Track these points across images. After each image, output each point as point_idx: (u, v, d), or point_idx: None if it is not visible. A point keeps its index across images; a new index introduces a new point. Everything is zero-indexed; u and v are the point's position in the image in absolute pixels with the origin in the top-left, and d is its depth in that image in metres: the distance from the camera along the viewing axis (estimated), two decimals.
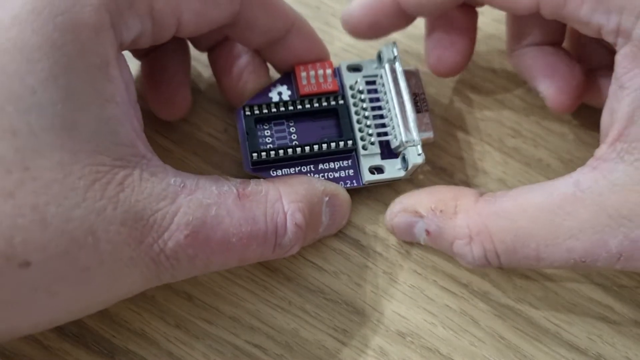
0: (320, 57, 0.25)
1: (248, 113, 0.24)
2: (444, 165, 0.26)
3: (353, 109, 0.25)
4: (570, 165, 0.26)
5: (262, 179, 0.22)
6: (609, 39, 0.20)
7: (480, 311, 0.23)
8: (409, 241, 0.24)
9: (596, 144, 0.21)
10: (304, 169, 0.24)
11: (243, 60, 0.24)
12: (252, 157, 0.23)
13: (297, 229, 0.21)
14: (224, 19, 0.22)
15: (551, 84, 0.24)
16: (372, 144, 0.24)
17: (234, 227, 0.19)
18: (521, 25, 0.24)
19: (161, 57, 0.24)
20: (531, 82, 0.25)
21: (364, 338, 0.23)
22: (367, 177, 0.24)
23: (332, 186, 0.23)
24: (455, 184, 0.25)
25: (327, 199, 0.22)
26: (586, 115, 0.26)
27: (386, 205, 0.24)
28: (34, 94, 0.17)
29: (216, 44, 0.24)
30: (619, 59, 0.20)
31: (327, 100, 0.25)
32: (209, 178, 0.20)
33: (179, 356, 0.22)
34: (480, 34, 0.26)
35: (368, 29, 0.24)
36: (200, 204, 0.19)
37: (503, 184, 0.25)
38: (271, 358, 0.22)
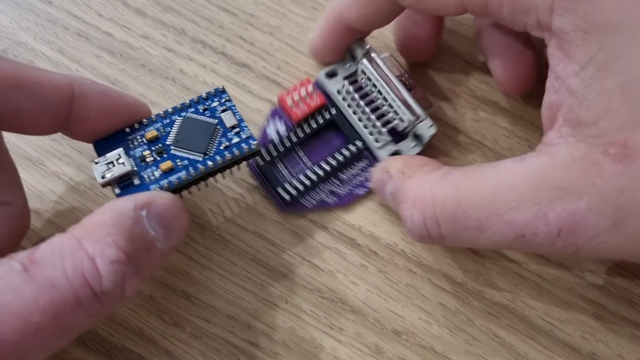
0: (129, 104, 0.22)
1: (261, 163, 0.25)
2: None
3: (350, 111, 0.25)
4: None
5: (56, 235, 0.18)
6: (536, 34, 0.21)
7: (475, 309, 0.23)
8: (385, 204, 0.25)
9: None
10: (331, 186, 0.25)
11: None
12: (283, 198, 0.24)
13: (115, 266, 0.17)
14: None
15: (501, 64, 0.25)
16: (381, 134, 0.25)
17: (28, 305, 0.16)
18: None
19: None
20: (486, 61, 0.26)
21: (360, 336, 0.23)
22: None
23: (143, 197, 0.19)
24: None
25: (144, 212, 0.19)
26: None
27: (381, 205, 0.25)
28: None
29: None
30: (550, 51, 0.20)
31: (321, 115, 0.25)
32: None
33: (176, 354, 0.22)
34: (474, 35, 0.26)
35: (333, 53, 0.26)
36: None
37: None
38: (268, 356, 0.23)
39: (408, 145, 0.25)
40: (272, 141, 0.25)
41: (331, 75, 0.26)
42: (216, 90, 0.23)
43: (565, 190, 0.19)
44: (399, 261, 0.24)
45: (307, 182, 0.24)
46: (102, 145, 0.22)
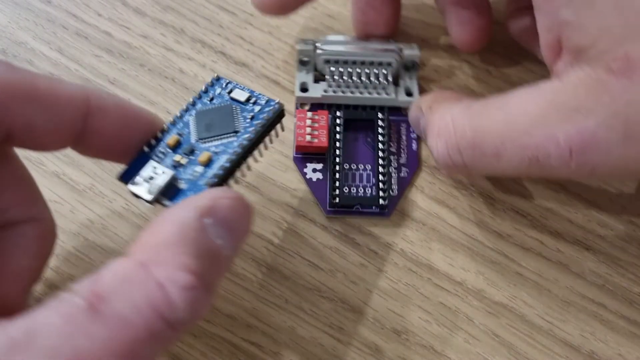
0: (144, 118, 0.21)
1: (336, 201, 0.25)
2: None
3: (349, 94, 0.26)
4: None
5: (116, 260, 0.16)
6: None
7: (475, 309, 0.24)
8: (423, 140, 0.26)
9: None
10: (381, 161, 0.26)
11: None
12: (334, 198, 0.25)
13: (188, 292, 0.15)
14: None
15: (458, 22, 0.27)
16: (386, 86, 0.26)
17: (102, 349, 0.14)
18: None
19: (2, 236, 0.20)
20: (444, 20, 0.27)
21: (360, 336, 0.23)
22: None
23: (204, 200, 0.17)
24: (451, 183, 0.26)
25: (208, 220, 0.17)
26: None
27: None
28: None
29: None
30: None
31: (335, 124, 0.26)
32: (46, 307, 0.15)
33: (177, 354, 0.22)
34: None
35: (278, 6, 0.26)
36: (47, 355, 0.14)
37: (498, 183, 0.26)
38: (268, 356, 0.23)
39: (408, 77, 0.27)
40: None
41: (304, 89, 0.26)
42: (212, 80, 0.22)
43: (574, 110, 0.19)
44: (399, 260, 0.24)
45: (384, 179, 0.25)
46: (129, 173, 0.20)
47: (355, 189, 0.25)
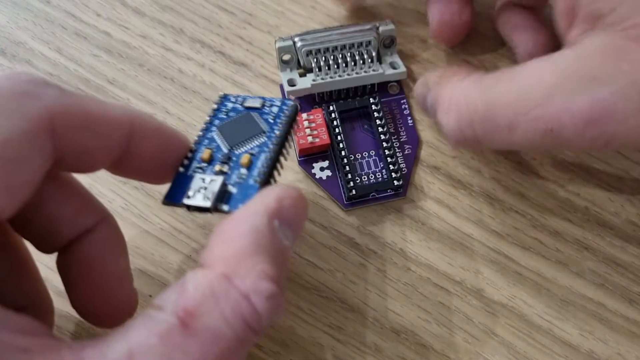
0: (179, 140, 0.20)
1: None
2: (438, 164, 0.26)
3: (338, 79, 0.26)
4: (563, 163, 0.26)
5: (196, 272, 0.16)
6: None
7: (474, 308, 0.23)
8: (428, 118, 0.26)
9: None
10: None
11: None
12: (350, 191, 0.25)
13: (271, 301, 0.16)
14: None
15: (438, 12, 0.27)
16: (372, 65, 0.27)
17: None
18: None
19: (87, 247, 0.20)
20: (427, 6, 0.28)
21: (359, 335, 0.23)
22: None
23: (270, 201, 0.17)
24: (450, 183, 0.26)
25: (277, 223, 0.17)
26: None
27: (381, 203, 0.25)
28: None
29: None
30: None
31: (331, 119, 0.26)
32: (139, 327, 0.15)
33: None
34: (473, 35, 0.26)
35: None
36: None
37: (497, 183, 0.26)
38: (267, 355, 0.23)
39: (389, 52, 0.27)
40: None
41: (292, 84, 0.26)
42: (220, 98, 0.22)
43: (589, 79, 0.19)
44: (398, 260, 0.24)
45: (392, 160, 0.25)
46: (175, 193, 0.20)
47: (366, 177, 0.25)
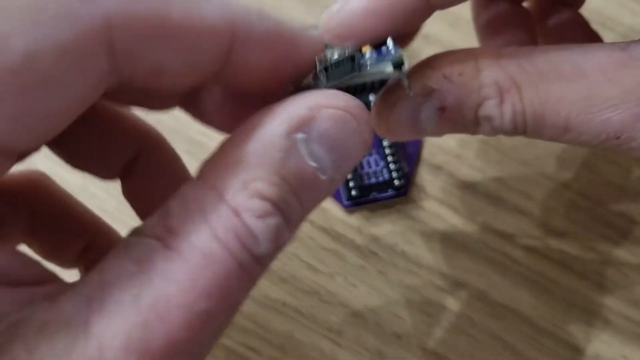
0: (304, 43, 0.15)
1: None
2: (440, 163, 0.26)
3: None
4: (567, 163, 0.26)
5: (187, 183, 0.14)
6: None
7: (477, 311, 0.23)
8: (411, 138, 0.20)
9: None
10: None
11: None
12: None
13: (265, 222, 0.13)
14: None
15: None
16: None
17: (188, 291, 0.12)
18: None
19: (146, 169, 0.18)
20: None
21: (360, 339, 0.23)
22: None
23: (301, 110, 0.14)
24: (453, 182, 0.25)
25: (301, 135, 0.14)
26: None
27: (380, 205, 0.24)
28: None
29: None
30: None
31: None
32: (115, 256, 0.13)
33: None
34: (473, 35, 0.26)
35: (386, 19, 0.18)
36: (126, 316, 0.12)
37: (500, 183, 0.25)
38: None
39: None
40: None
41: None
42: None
43: None
44: (399, 262, 0.24)
45: (393, 159, 0.25)
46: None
47: (367, 176, 0.25)
